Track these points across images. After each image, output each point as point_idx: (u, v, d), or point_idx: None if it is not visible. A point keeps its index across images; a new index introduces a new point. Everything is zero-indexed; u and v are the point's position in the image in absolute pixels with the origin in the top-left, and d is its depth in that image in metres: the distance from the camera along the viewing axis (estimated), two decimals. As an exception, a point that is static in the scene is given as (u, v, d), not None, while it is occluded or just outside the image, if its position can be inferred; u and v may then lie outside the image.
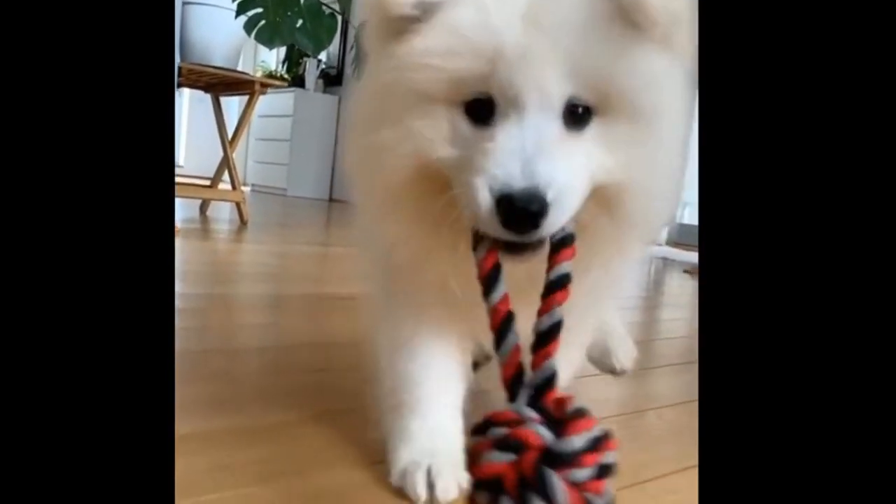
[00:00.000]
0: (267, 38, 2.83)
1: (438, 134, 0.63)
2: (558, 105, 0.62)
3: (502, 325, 0.61)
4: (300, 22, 2.90)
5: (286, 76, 6.65)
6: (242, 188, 3.59)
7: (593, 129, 0.63)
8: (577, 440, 0.56)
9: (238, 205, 3.45)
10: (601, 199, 0.64)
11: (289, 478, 0.71)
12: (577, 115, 0.62)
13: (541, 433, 0.56)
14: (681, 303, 2.41)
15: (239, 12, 2.83)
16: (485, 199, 0.59)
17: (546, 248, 0.64)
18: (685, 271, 3.23)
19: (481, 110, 0.63)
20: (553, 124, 0.61)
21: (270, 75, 6.51)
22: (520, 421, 0.57)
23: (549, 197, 0.58)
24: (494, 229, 0.60)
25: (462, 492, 0.68)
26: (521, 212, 0.58)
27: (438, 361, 0.76)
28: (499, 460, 0.55)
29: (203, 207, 3.77)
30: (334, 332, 1.41)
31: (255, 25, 2.85)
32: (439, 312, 0.76)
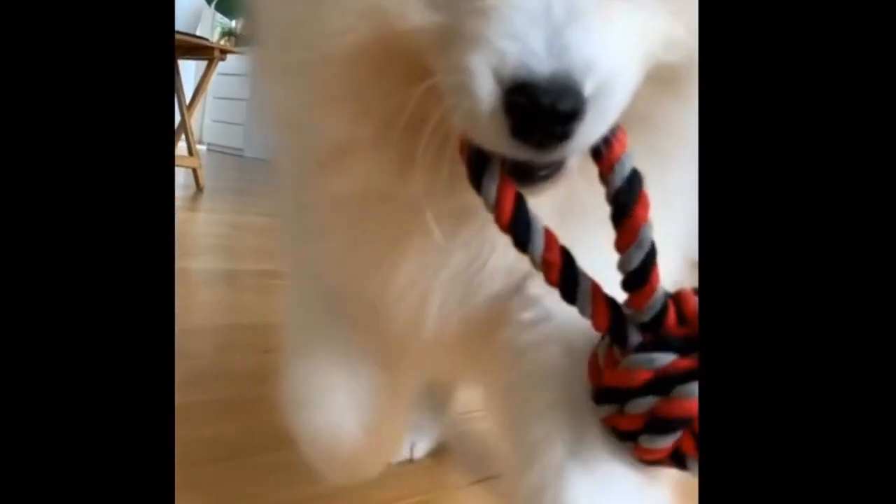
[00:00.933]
0: (227, 9, 2.83)
1: None
2: None
3: (564, 275, 0.45)
4: (262, -9, 2.91)
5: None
6: (198, 146, 3.60)
7: None
8: None
9: (194, 170, 3.46)
10: (663, 80, 0.45)
11: (249, 452, 0.79)
12: None
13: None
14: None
15: (200, -20, 2.82)
16: (486, 90, 0.38)
17: (571, 170, 0.44)
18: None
19: None
20: None
21: (230, 33, 6.41)
22: (661, 382, 0.43)
23: (588, 89, 0.38)
24: (499, 141, 0.39)
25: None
26: (545, 112, 0.37)
27: (352, 354, 0.62)
28: (664, 444, 0.44)
29: (158, 170, 3.76)
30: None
31: (216, -6, 2.86)
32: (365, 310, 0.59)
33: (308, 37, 0.44)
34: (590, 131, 0.39)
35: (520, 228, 0.44)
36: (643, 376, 0.44)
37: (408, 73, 0.43)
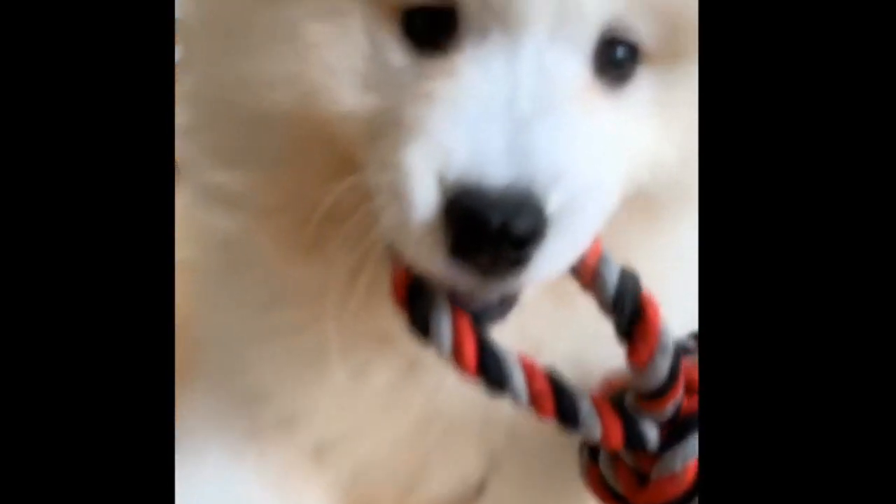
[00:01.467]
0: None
1: (348, 61, 0.35)
2: (591, 32, 0.35)
3: (560, 402, 0.37)
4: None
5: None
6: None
7: (642, 85, 0.37)
8: None
9: (173, 152, 3.47)
10: (639, 207, 0.39)
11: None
12: (616, 60, 0.36)
13: None
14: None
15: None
16: (422, 194, 0.31)
17: (523, 299, 0.36)
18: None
19: (432, 27, 0.35)
20: (575, 64, 0.35)
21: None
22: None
23: (553, 205, 0.31)
24: (433, 261, 0.32)
25: None
26: (495, 232, 0.30)
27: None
28: None
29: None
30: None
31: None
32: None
33: (224, 72, 0.37)
34: (551, 258, 0.32)
35: (491, 368, 0.35)
36: (694, 469, 0.37)
37: (329, 163, 0.36)
